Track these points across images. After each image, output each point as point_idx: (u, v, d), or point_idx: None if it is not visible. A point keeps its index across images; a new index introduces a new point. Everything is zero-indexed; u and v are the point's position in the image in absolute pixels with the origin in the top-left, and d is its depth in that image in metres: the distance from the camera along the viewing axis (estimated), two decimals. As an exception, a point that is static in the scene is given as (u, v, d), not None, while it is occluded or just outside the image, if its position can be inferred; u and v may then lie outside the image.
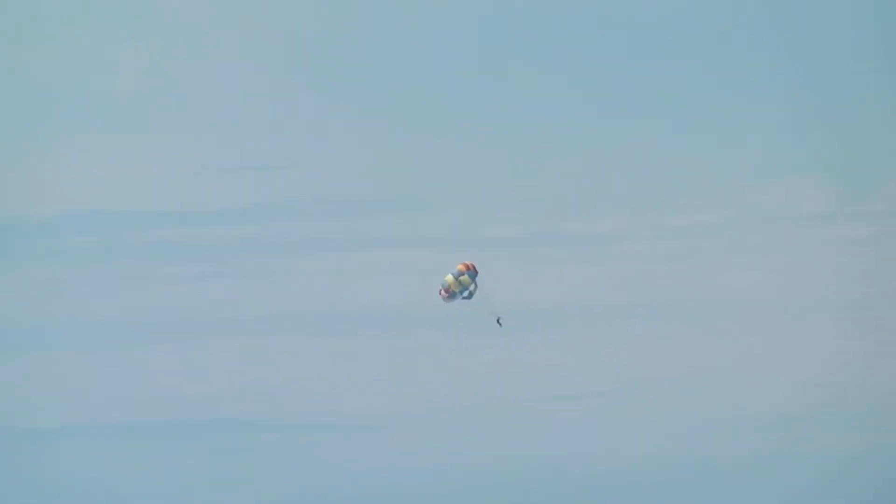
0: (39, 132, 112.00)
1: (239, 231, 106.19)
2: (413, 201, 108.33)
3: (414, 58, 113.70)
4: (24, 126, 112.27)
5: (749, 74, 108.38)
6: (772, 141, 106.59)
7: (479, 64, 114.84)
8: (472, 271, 59.64)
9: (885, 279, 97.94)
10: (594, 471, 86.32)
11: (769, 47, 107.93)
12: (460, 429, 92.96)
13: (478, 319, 64.42)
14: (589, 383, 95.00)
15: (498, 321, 61.96)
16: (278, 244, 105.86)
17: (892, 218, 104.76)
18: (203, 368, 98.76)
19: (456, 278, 59.56)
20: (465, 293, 59.88)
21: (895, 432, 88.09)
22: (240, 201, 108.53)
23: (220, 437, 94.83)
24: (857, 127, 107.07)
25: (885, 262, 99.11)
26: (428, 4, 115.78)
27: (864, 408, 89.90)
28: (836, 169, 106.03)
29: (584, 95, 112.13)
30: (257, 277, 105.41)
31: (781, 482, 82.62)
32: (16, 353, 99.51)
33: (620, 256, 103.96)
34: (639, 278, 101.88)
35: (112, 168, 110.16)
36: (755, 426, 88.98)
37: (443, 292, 59.68)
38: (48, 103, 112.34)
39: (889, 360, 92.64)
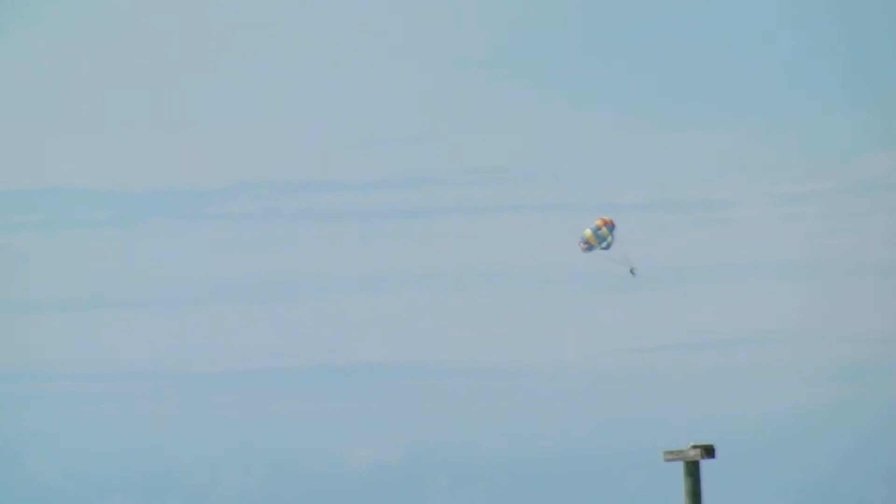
0: (222, 115, 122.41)
1: (384, 196, 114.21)
2: (548, 170, 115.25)
3: (545, 28, 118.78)
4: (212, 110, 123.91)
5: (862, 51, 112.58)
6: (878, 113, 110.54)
7: (596, 38, 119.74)
8: (610, 225, 62.19)
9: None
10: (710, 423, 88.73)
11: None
12: (588, 380, 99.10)
13: (612, 273, 70.32)
14: (705, 335, 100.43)
15: (631, 271, 65.07)
16: (420, 209, 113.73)
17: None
18: (353, 319, 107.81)
19: (594, 232, 62.01)
20: (604, 244, 62.61)
21: None
22: (386, 171, 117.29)
23: (370, 382, 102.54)
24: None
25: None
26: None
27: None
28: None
29: (699, 74, 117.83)
30: (402, 238, 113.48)
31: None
32: (193, 304, 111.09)
33: (735, 220, 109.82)
34: (751, 241, 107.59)
35: (273, 142, 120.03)
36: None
37: (581, 244, 62.34)
38: (241, 90, 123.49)
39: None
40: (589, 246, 63.03)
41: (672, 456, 23.06)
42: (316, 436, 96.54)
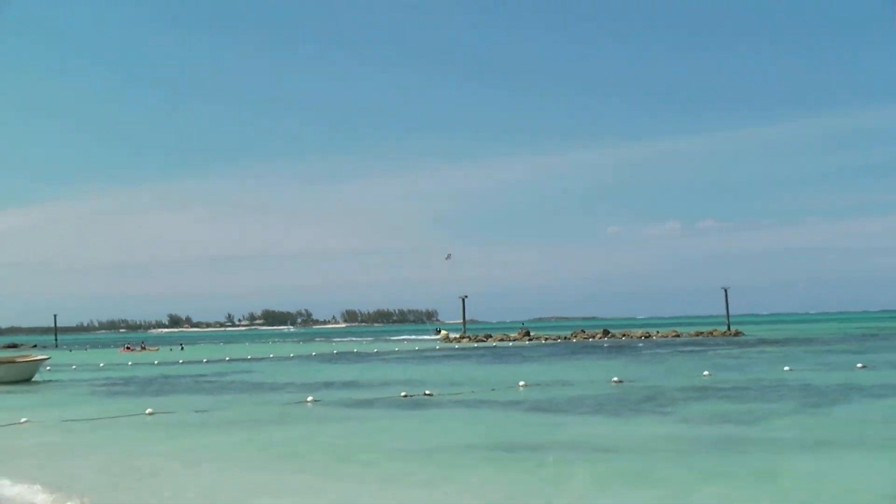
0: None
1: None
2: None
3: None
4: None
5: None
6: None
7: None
8: (450, 255, 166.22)
9: None
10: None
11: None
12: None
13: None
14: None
15: (449, 256, 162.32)
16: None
17: None
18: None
19: (448, 255, 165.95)
20: (449, 259, 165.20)
21: None
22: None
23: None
24: None
25: None
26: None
27: None
28: None
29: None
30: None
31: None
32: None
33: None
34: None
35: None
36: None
37: (445, 259, 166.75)
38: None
39: None
40: (446, 259, 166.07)
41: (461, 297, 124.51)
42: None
